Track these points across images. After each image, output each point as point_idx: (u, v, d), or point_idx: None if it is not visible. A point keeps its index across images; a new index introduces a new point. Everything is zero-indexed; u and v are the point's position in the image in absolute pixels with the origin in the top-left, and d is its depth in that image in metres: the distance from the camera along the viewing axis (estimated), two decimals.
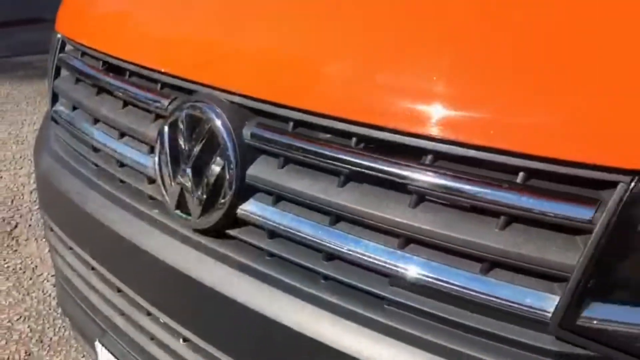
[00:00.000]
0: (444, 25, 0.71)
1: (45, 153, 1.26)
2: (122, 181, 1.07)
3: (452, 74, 0.67)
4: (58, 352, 1.89)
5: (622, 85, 0.59)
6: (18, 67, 5.00)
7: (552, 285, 0.64)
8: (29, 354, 1.88)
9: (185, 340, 0.96)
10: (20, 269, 2.32)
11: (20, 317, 2.06)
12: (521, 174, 0.64)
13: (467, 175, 0.66)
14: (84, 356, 1.86)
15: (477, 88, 0.66)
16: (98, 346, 1.18)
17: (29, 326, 2.01)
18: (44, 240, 2.49)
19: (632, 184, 0.57)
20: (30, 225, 2.63)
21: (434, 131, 0.67)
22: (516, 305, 0.65)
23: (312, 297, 0.79)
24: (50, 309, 2.09)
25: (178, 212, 0.92)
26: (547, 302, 0.63)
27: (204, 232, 0.90)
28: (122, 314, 1.10)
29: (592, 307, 0.61)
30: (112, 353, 1.14)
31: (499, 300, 0.66)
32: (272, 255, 0.85)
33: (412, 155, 0.70)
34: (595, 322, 0.61)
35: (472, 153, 0.65)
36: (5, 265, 2.34)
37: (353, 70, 0.75)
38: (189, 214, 0.90)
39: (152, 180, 0.99)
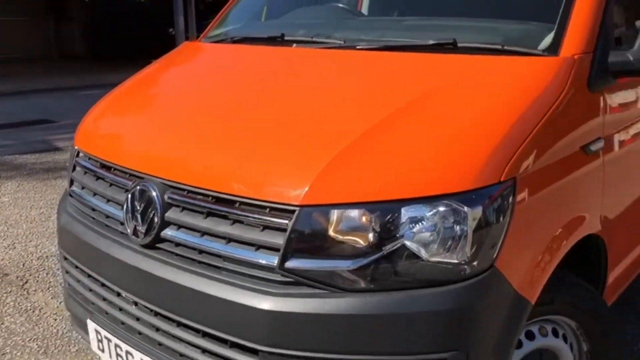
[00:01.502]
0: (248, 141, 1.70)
1: (64, 213, 2.20)
2: (107, 225, 2.00)
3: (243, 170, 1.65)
4: (58, 358, 2.73)
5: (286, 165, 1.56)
6: (26, 164, 6.01)
7: (277, 252, 1.57)
8: None
9: (135, 304, 1.86)
10: (30, 309, 3.19)
11: (31, 339, 2.91)
12: (267, 209, 1.58)
13: (268, 214, 1.61)
14: None
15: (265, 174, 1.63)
16: (88, 322, 2.05)
17: (37, 344, 2.86)
18: (48, 290, 3.37)
19: (300, 210, 1.53)
20: (37, 281, 3.51)
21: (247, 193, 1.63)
22: (265, 262, 1.58)
23: (195, 273, 1.71)
24: (51, 334, 2.94)
25: (133, 237, 1.85)
26: (274, 259, 1.57)
27: (145, 246, 1.83)
28: (103, 299, 2.00)
29: (290, 260, 1.55)
30: (97, 324, 2.02)
31: (260, 261, 1.59)
32: (176, 255, 1.77)
33: (229, 203, 1.65)
34: (292, 266, 1.54)
35: (260, 203, 1.60)
36: (20, 307, 3.21)
37: (209, 166, 1.72)
38: (138, 237, 1.83)
39: (122, 223, 1.92)
